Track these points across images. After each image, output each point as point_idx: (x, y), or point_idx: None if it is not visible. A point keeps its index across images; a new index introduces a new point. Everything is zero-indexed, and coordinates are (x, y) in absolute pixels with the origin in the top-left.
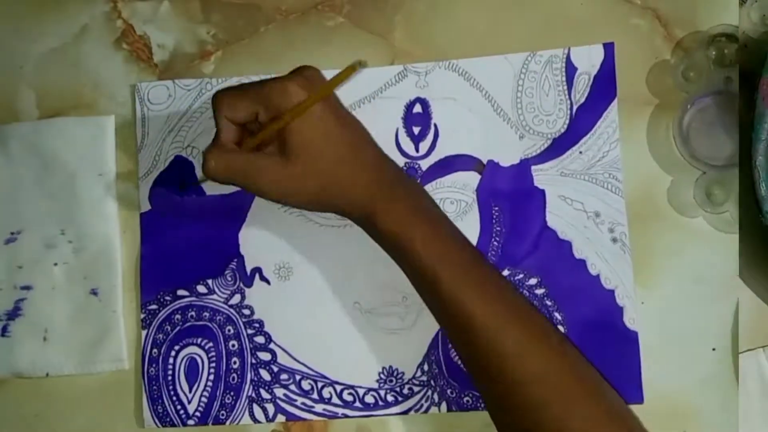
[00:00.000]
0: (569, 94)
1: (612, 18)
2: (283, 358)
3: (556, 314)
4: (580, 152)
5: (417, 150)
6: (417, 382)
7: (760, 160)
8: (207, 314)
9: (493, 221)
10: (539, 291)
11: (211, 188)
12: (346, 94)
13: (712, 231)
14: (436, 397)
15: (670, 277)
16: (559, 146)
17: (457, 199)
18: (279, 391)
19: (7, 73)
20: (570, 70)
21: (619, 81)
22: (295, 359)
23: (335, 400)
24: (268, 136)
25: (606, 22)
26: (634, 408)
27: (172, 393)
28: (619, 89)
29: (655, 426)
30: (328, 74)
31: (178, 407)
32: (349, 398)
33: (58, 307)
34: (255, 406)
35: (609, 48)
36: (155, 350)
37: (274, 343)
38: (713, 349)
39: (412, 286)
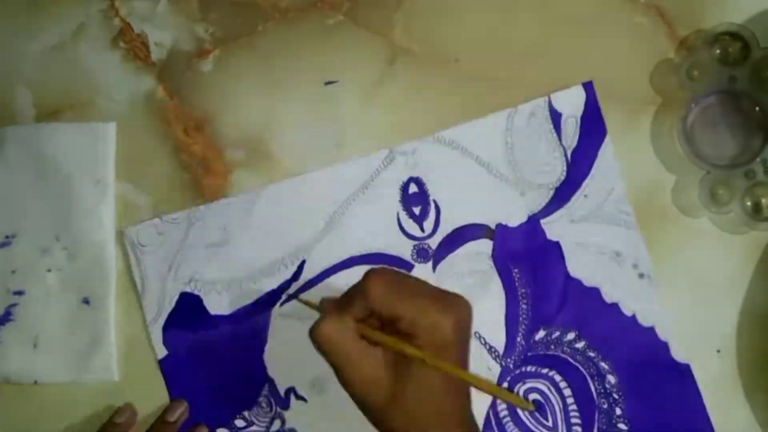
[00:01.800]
0: (560, 140)
1: (615, 16)
2: None
3: (602, 364)
4: (585, 196)
5: (422, 230)
6: None
7: None
8: None
9: (516, 284)
10: (579, 345)
11: (223, 319)
12: (338, 192)
13: (716, 231)
14: None
15: (674, 278)
16: (562, 195)
17: (474, 270)
18: None
19: (4, 72)
20: (555, 116)
21: (622, 80)
22: None
23: None
24: (387, 345)
25: (609, 20)
26: None
27: None
28: (623, 88)
29: None
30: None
31: None
32: None
33: (49, 314)
34: None
35: (588, 87)
36: None
37: None
38: (718, 351)
39: None
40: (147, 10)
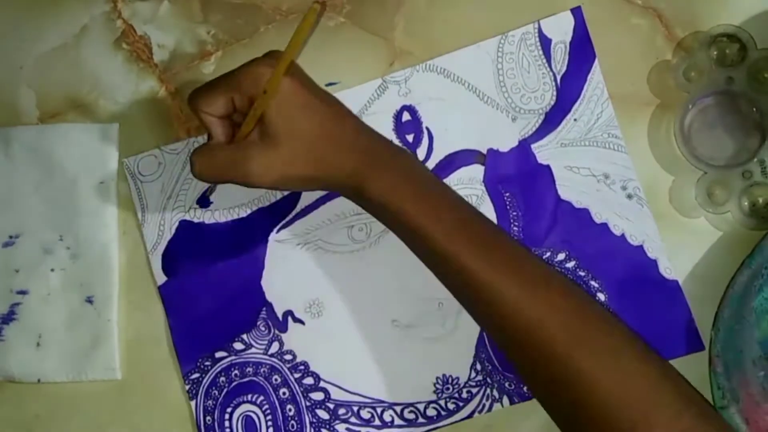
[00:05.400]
0: (550, 66)
1: (613, 18)
2: (336, 394)
3: (593, 282)
4: (575, 120)
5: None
6: (473, 384)
7: None
8: (250, 369)
9: (508, 207)
10: (570, 264)
11: (221, 245)
12: None
13: (713, 231)
14: (496, 393)
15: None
16: (552, 119)
17: (466, 194)
18: (341, 427)
19: (8, 73)
20: (545, 42)
21: (620, 81)
22: (348, 391)
23: (398, 421)
24: (253, 122)
25: (607, 22)
26: (696, 356)
27: None
28: (620, 89)
29: None
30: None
31: None
32: (411, 416)
33: (52, 313)
34: None
35: (577, 12)
36: (209, 418)
37: (324, 380)
38: None
39: (439, 281)
40: (149, 13)
